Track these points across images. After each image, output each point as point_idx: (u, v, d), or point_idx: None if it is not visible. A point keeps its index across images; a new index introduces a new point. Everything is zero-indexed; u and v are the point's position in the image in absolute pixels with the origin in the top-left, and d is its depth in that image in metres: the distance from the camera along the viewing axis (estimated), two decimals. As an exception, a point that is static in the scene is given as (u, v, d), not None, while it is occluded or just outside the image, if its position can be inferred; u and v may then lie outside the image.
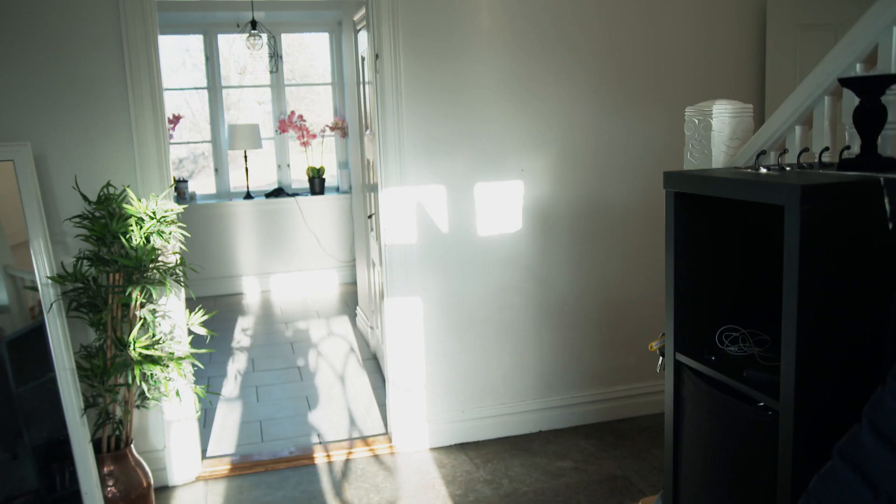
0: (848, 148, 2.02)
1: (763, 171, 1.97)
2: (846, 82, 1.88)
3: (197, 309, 3.14)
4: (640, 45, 3.58)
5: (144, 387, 2.89)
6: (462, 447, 3.57)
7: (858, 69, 2.11)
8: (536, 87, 3.47)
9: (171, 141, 6.60)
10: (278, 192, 6.97)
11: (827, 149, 2.11)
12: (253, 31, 6.39)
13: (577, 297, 3.67)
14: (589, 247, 3.65)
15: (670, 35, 3.63)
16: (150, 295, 2.92)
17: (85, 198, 2.92)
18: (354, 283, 6.26)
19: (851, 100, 1.99)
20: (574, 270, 3.65)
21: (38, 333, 2.82)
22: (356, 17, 4.83)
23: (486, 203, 3.49)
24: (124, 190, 2.99)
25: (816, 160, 2.08)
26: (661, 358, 2.30)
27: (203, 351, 3.18)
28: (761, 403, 1.82)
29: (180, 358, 2.95)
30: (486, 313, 3.57)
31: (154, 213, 2.89)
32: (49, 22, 2.93)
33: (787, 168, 2.01)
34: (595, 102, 3.56)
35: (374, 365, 4.74)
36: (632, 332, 3.74)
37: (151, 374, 2.87)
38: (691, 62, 3.66)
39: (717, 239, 2.13)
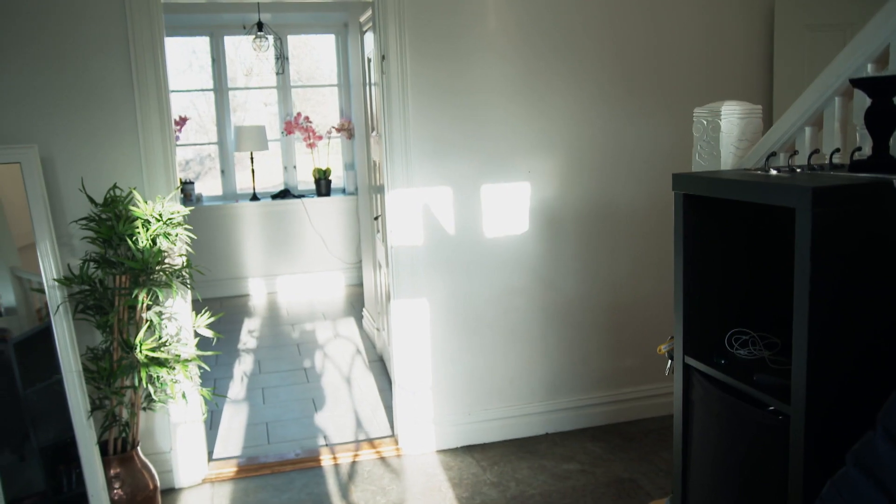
0: (859, 149, 2.00)
1: (773, 172, 1.95)
2: (858, 83, 1.86)
3: (203, 311, 3.14)
4: (647, 46, 3.57)
5: (151, 389, 2.89)
6: (468, 449, 3.55)
7: (870, 69, 2.10)
8: (543, 89, 3.46)
9: (178, 143, 6.60)
10: (284, 194, 6.98)
11: (838, 150, 2.10)
12: (259, 33, 6.40)
13: (584, 298, 3.66)
14: (595, 249, 3.63)
15: (677, 36, 3.61)
16: (157, 297, 2.92)
17: (91, 200, 2.92)
18: (360, 285, 6.26)
19: (863, 100, 1.97)
20: (580, 272, 3.63)
21: (44, 335, 2.82)
22: (362, 19, 4.83)
23: (493, 205, 3.48)
24: (131, 192, 2.99)
25: (827, 162, 2.07)
26: (669, 361, 2.28)
27: (209, 353, 3.18)
28: (772, 407, 1.81)
29: (186, 360, 2.95)
30: (492, 315, 3.56)
31: (160, 215, 2.89)
32: (55, 24, 2.93)
33: (798, 170, 1.99)
34: (602, 104, 3.54)
35: (381, 367, 4.73)
36: (639, 334, 3.72)
37: (158, 377, 2.87)
38: (698, 63, 3.64)
39: (726, 241, 2.11)
